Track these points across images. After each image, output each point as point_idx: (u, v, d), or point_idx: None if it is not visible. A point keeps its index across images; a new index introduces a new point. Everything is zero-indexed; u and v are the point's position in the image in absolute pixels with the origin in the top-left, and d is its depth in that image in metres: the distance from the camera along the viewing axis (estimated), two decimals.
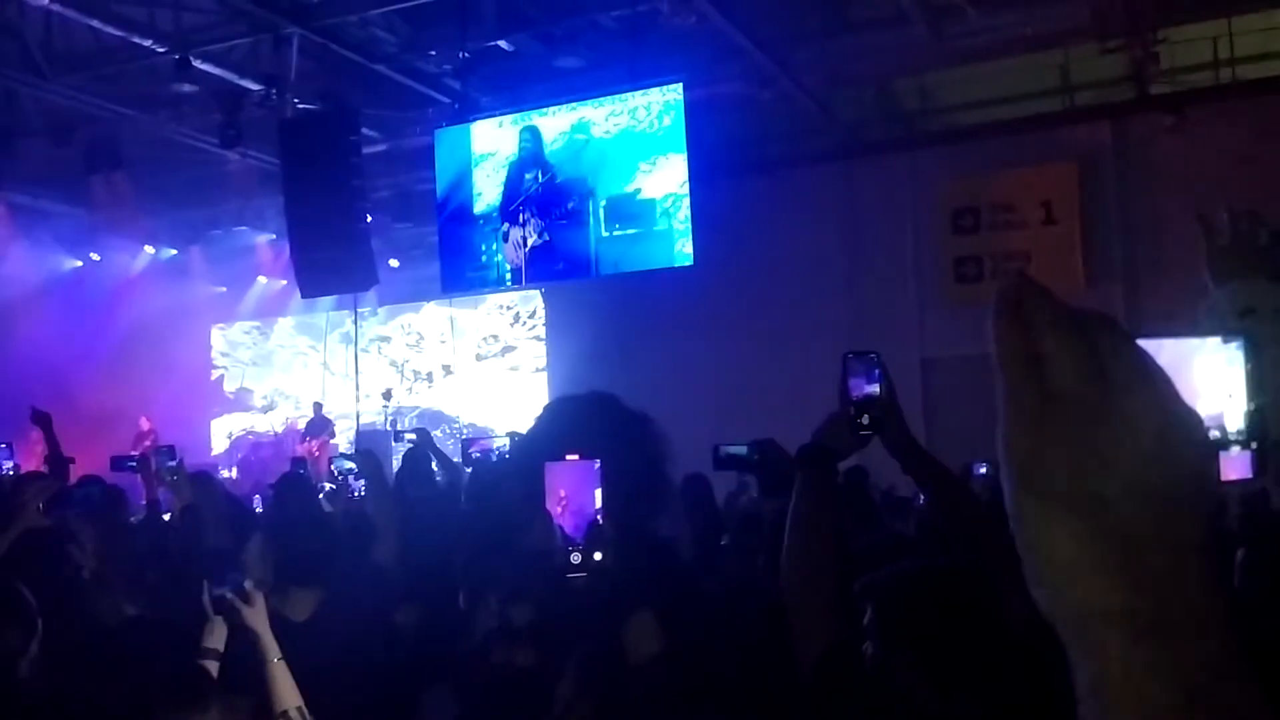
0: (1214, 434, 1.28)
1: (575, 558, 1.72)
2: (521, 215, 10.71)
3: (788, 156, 12.89)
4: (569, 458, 1.78)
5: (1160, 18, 9.45)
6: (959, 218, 12.27)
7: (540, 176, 10.63)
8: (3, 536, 2.95)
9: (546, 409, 2.19)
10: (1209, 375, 1.21)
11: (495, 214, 10.87)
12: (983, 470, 6.34)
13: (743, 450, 3.26)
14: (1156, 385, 0.54)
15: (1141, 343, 0.56)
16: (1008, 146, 11.99)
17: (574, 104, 10.51)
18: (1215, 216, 1.39)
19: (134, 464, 4.71)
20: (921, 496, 7.45)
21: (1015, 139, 12.00)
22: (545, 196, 10.59)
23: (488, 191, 10.91)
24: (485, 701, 1.97)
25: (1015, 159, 11.99)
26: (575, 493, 1.76)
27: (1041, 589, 0.53)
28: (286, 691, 2.56)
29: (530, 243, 10.62)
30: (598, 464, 1.76)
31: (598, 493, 1.77)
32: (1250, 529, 3.23)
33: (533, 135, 10.69)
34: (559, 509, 1.75)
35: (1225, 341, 1.23)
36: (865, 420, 2.03)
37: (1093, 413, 0.53)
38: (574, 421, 2.00)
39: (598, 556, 1.73)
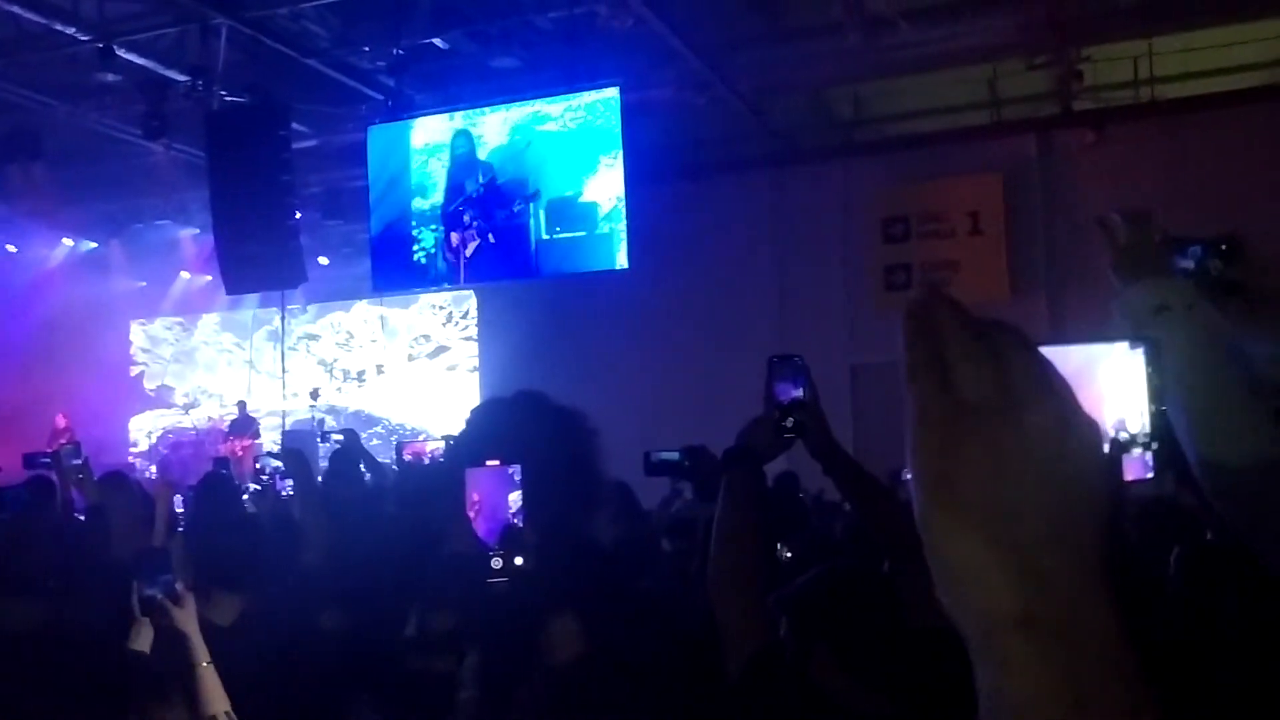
0: (1120, 436, 1.33)
1: (496, 563, 1.71)
2: (462, 215, 10.63)
3: (722, 162, 12.98)
4: (490, 463, 1.78)
5: (1084, 37, 9.71)
6: (889, 226, 12.46)
7: (481, 177, 10.56)
8: None
9: (474, 412, 2.18)
10: (1115, 379, 1.25)
11: (432, 213, 10.77)
12: (908, 476, 6.44)
13: (675, 456, 3.27)
14: (1057, 395, 0.56)
15: (1049, 349, 0.58)
16: (937, 157, 12.22)
17: (511, 105, 10.46)
18: (1110, 218, 1.44)
19: (47, 461, 4.56)
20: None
21: (944, 150, 12.23)
22: (486, 197, 10.53)
23: (425, 190, 10.81)
24: (404, 708, 1.95)
25: (944, 170, 12.22)
26: (488, 497, 1.76)
27: (947, 594, 0.55)
28: (215, 696, 2.50)
29: (471, 243, 10.54)
30: (515, 469, 1.76)
31: (513, 496, 1.77)
32: (1148, 524, 3.34)
33: (471, 136, 10.62)
34: (472, 513, 1.74)
35: (1132, 347, 1.28)
36: (790, 423, 2.05)
37: (996, 423, 0.55)
38: (500, 424, 2.00)
39: (519, 561, 1.72)
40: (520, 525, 1.75)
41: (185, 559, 3.08)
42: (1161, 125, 11.37)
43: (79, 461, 4.21)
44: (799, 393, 2.06)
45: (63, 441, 11.76)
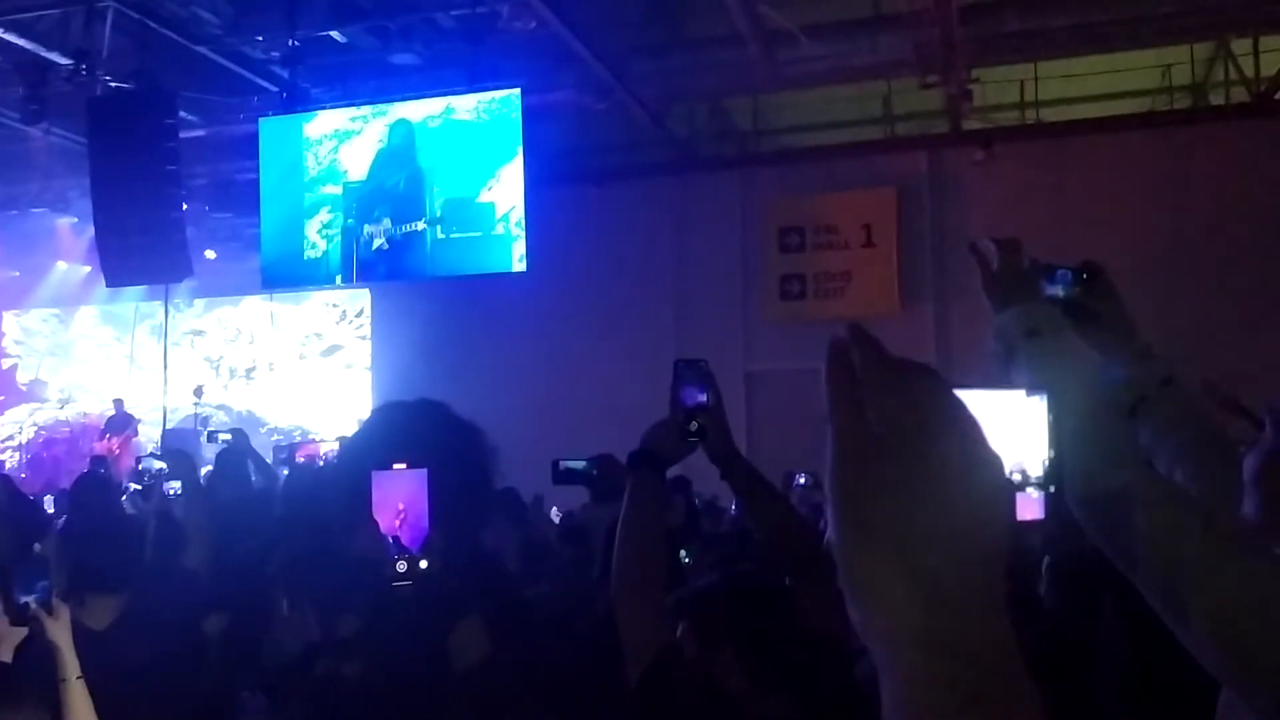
0: (1016, 477, 1.41)
1: (401, 566, 1.69)
2: (355, 212, 10.44)
3: (622, 168, 13.04)
4: (396, 466, 1.75)
5: (974, 58, 10.03)
6: (785, 236, 12.67)
7: (376, 175, 10.39)
8: None
9: (374, 414, 2.15)
10: (1017, 424, 1.33)
11: (325, 209, 10.55)
12: (801, 481, 6.57)
13: (582, 465, 3.26)
14: (964, 430, 0.60)
15: (961, 393, 0.62)
16: (833, 170, 12.48)
17: (409, 101, 10.32)
18: (983, 245, 1.51)
19: None
20: (734, 505, 7.67)
21: (840, 163, 12.50)
22: (380, 194, 10.36)
23: (317, 186, 10.58)
24: (309, 713, 1.91)
25: (839, 183, 12.49)
26: (413, 504, 1.73)
27: (856, 609, 0.59)
28: (83, 712, 2.41)
29: (363, 241, 10.36)
30: (422, 473, 1.74)
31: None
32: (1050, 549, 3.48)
33: (369, 132, 10.44)
34: (397, 521, 1.72)
35: (1029, 395, 1.35)
36: (694, 427, 2.05)
37: (908, 454, 0.59)
38: (402, 429, 1.97)
39: (424, 564, 1.71)
40: (429, 529, 1.73)
41: (59, 562, 2.96)
42: (1047, 146, 11.84)
43: None
44: (703, 397, 2.06)
45: None
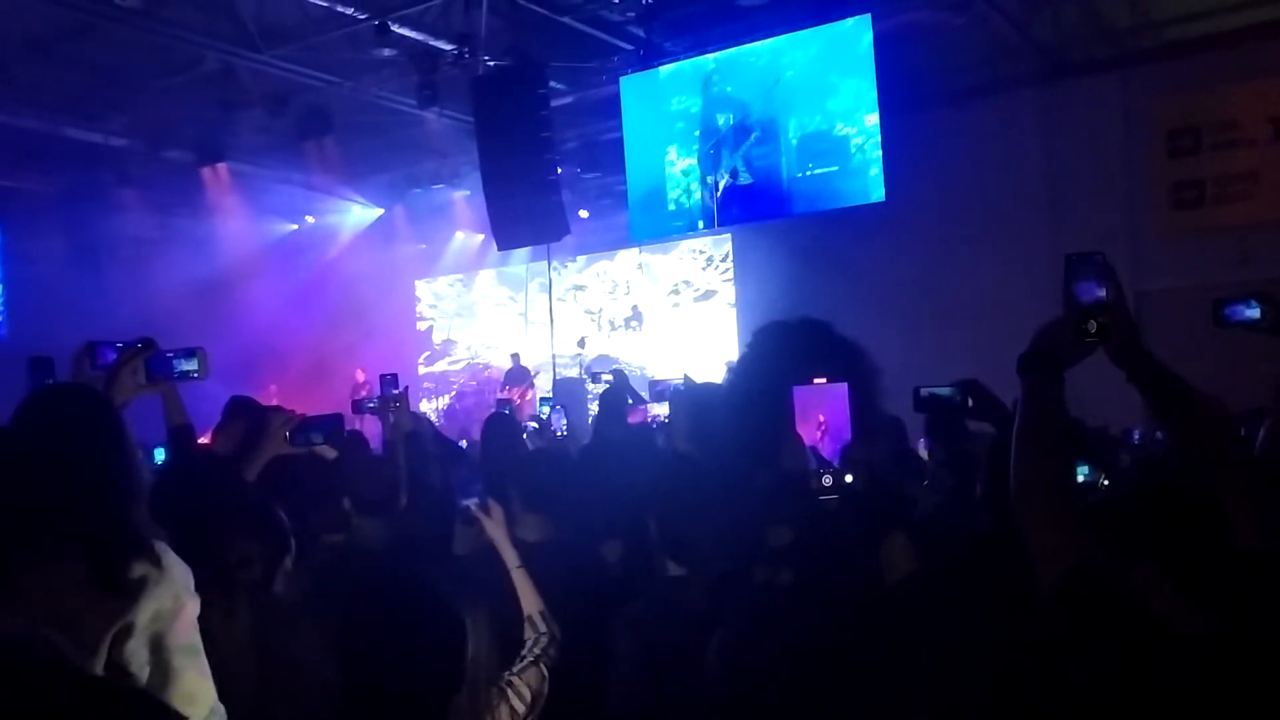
0: None
1: (827, 480, 1.73)
2: (713, 158, 10.70)
3: (982, 85, 12.31)
4: (817, 381, 1.77)
5: None
6: (1175, 138, 11.45)
7: (731, 118, 10.58)
8: (254, 461, 3.24)
9: (759, 335, 2.18)
10: None
11: (686, 158, 10.90)
12: (1136, 437, 6.03)
13: (946, 391, 3.16)
14: None
15: None
16: (1230, 60, 11.05)
17: (759, 43, 10.37)
18: None
19: (373, 405, 5.02)
20: (1136, 434, 7.10)
21: (1238, 51, 11.04)
22: (737, 138, 10.54)
23: (677, 136, 10.95)
24: (748, 619, 2.02)
25: (1239, 74, 11.06)
26: (832, 417, 1.76)
27: None
28: (529, 596, 2.73)
29: (723, 185, 10.61)
30: (845, 387, 1.75)
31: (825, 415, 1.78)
32: None
33: (721, 77, 10.63)
34: (819, 433, 1.76)
35: None
36: (1091, 327, 1.88)
37: None
38: (793, 347, 2.00)
39: (849, 479, 1.74)
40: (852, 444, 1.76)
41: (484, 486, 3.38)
42: None
43: (398, 391, 4.56)
44: (1102, 293, 1.91)
45: (363, 394, 12.88)
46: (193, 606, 2.26)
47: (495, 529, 2.91)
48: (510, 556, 2.82)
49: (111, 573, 2.08)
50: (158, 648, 2.14)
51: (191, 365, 2.89)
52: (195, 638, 2.23)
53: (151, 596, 2.15)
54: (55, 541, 2.09)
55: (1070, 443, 1.94)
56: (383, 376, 4.56)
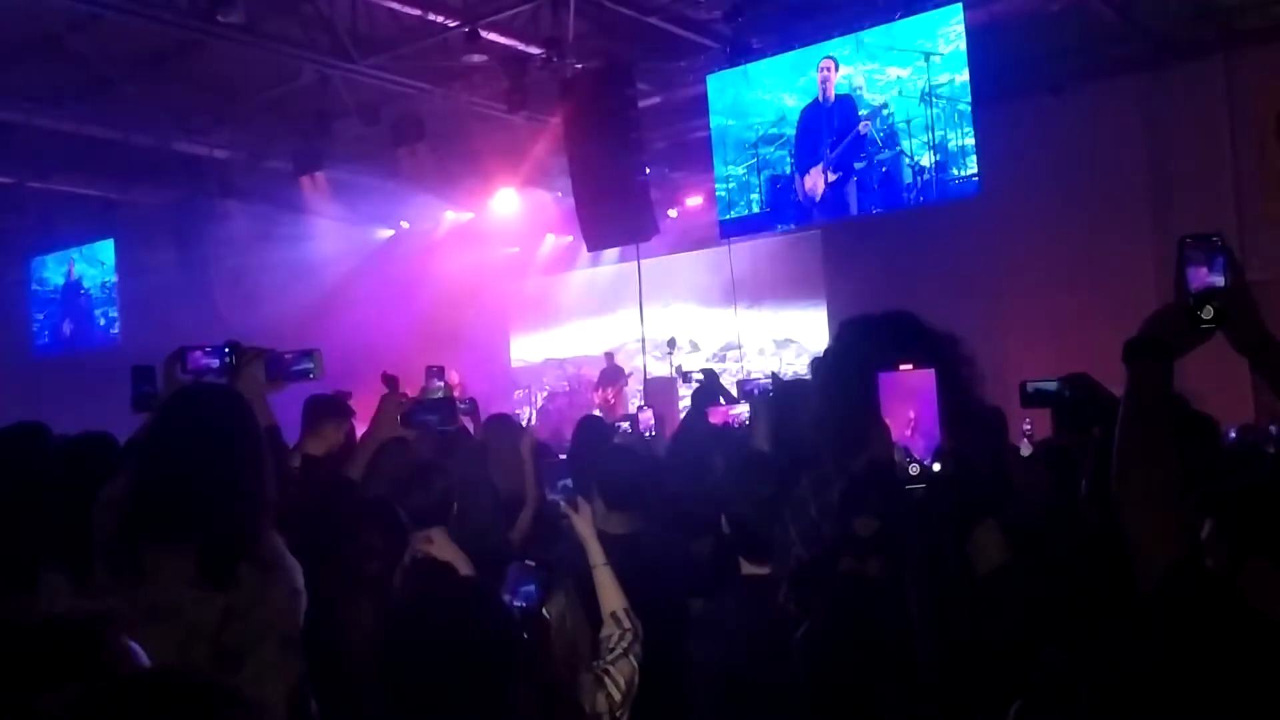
0: None
1: (914, 469, 1.70)
2: (799, 155, 10.63)
3: (1081, 71, 11.97)
4: (903, 367, 1.73)
5: None
6: None
7: (817, 115, 10.49)
8: (363, 450, 3.36)
9: (845, 327, 2.15)
10: None
11: (771, 155, 10.84)
12: (1233, 435, 5.79)
13: (1053, 386, 3.08)
14: None
15: None
16: None
17: (848, 36, 10.26)
18: None
19: (465, 406, 5.18)
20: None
21: None
22: (822, 134, 10.45)
23: (762, 133, 10.90)
24: (832, 607, 2.02)
25: None
26: (921, 405, 1.71)
27: None
28: (612, 594, 2.77)
29: (809, 183, 10.52)
30: (932, 373, 1.70)
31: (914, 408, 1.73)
32: None
33: (808, 73, 10.55)
34: (909, 431, 1.71)
35: None
36: (1207, 313, 1.78)
37: None
38: (878, 336, 1.98)
39: (936, 467, 1.70)
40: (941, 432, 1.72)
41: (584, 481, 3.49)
42: None
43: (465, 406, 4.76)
44: (1217, 278, 1.81)
45: (456, 395, 13.10)
46: (299, 602, 2.37)
47: (583, 525, 2.94)
48: (596, 553, 2.85)
49: (219, 571, 2.21)
50: (261, 639, 2.26)
51: (308, 365, 3.00)
52: (296, 631, 2.34)
53: (257, 592, 2.27)
54: (176, 537, 2.22)
55: (1173, 433, 1.88)
56: (429, 368, 4.65)
